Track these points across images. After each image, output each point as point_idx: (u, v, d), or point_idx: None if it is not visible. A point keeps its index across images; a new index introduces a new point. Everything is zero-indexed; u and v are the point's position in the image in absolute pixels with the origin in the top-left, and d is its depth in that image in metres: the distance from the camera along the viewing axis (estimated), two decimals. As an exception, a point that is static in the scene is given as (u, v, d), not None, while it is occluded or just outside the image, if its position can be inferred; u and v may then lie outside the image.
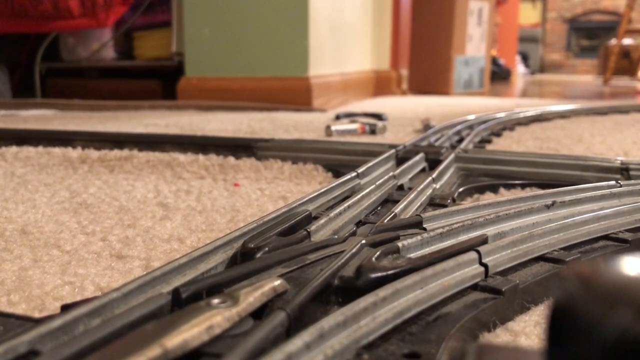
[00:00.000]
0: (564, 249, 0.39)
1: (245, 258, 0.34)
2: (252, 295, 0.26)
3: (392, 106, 1.82)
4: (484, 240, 0.36)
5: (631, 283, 0.13)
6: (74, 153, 0.81)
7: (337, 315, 0.24)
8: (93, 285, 0.37)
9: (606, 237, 0.42)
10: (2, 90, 1.94)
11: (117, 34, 2.02)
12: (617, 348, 0.12)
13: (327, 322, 0.23)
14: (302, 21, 1.67)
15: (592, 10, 6.67)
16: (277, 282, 0.28)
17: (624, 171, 0.64)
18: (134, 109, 1.69)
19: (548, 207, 0.43)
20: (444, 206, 0.51)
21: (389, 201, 0.52)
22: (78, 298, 0.34)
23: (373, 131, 1.11)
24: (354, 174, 0.56)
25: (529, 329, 0.31)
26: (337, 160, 0.74)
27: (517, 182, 0.64)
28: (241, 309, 0.25)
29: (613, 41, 3.54)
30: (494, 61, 4.02)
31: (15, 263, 0.40)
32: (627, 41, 3.58)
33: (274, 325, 0.24)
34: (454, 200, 0.54)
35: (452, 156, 0.68)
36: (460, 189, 0.59)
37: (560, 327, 0.13)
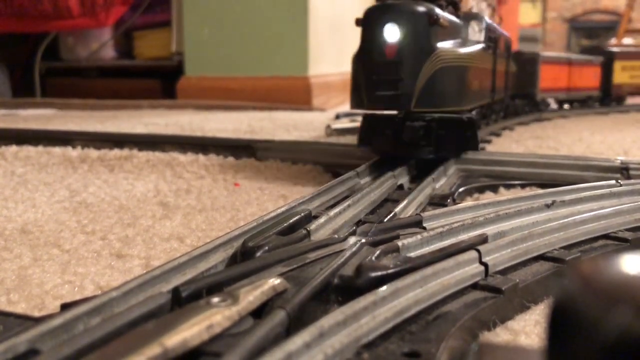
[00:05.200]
0: (564, 248, 0.39)
1: (245, 257, 0.34)
2: (252, 294, 0.26)
3: (392, 106, 1.82)
4: (484, 240, 0.36)
5: (631, 281, 0.13)
6: (74, 152, 0.81)
7: (337, 314, 0.24)
8: (93, 284, 0.37)
9: (606, 236, 0.42)
10: (1, 90, 1.93)
11: (117, 33, 2.02)
12: (618, 346, 0.12)
13: (327, 321, 0.23)
14: (302, 20, 1.67)
15: (592, 9, 6.67)
16: (277, 281, 0.28)
17: (624, 170, 0.64)
18: (133, 108, 1.69)
19: (548, 206, 0.43)
20: (444, 205, 0.50)
21: (388, 200, 0.52)
22: (78, 297, 0.34)
23: (373, 131, 1.10)
24: (353, 173, 0.56)
25: (529, 328, 0.31)
26: (337, 161, 0.74)
27: (517, 182, 0.64)
28: (241, 307, 0.25)
29: (613, 41, 3.54)
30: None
31: (15, 262, 0.40)
32: (627, 41, 3.58)
33: (274, 324, 0.24)
34: (453, 200, 0.54)
35: (451, 156, 0.68)
36: (460, 189, 0.59)
37: (560, 326, 0.13)
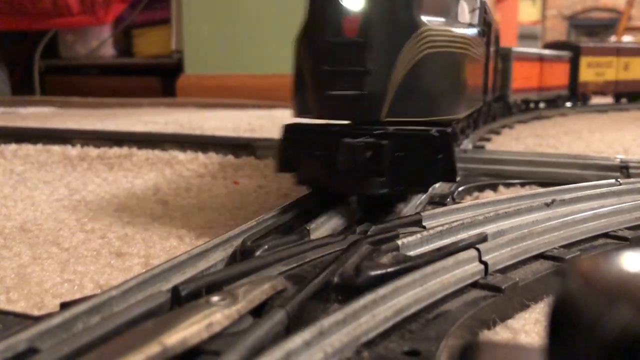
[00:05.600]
0: (563, 246, 0.39)
1: (244, 256, 0.34)
2: (251, 293, 0.26)
3: (392, 104, 1.82)
4: (483, 238, 0.36)
5: (631, 280, 0.13)
6: (73, 151, 0.81)
7: (337, 313, 0.24)
8: (92, 283, 0.36)
9: (606, 235, 0.42)
10: (1, 88, 1.93)
11: (116, 31, 2.02)
12: (618, 344, 0.12)
13: (326, 320, 0.23)
14: (302, 18, 1.67)
15: (591, 7, 6.67)
16: (277, 280, 0.28)
17: (624, 169, 0.64)
18: (133, 106, 1.69)
19: (548, 205, 0.43)
20: (444, 204, 0.50)
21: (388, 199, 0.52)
22: (77, 296, 0.33)
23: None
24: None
25: (528, 326, 0.31)
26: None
27: (516, 181, 0.64)
28: (241, 306, 0.25)
29: (612, 38, 3.54)
30: (493, 59, 3.99)
31: (14, 260, 0.40)
32: (627, 38, 3.58)
33: (274, 323, 0.23)
34: (453, 199, 0.54)
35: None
36: (460, 188, 0.59)
37: (561, 324, 0.13)
